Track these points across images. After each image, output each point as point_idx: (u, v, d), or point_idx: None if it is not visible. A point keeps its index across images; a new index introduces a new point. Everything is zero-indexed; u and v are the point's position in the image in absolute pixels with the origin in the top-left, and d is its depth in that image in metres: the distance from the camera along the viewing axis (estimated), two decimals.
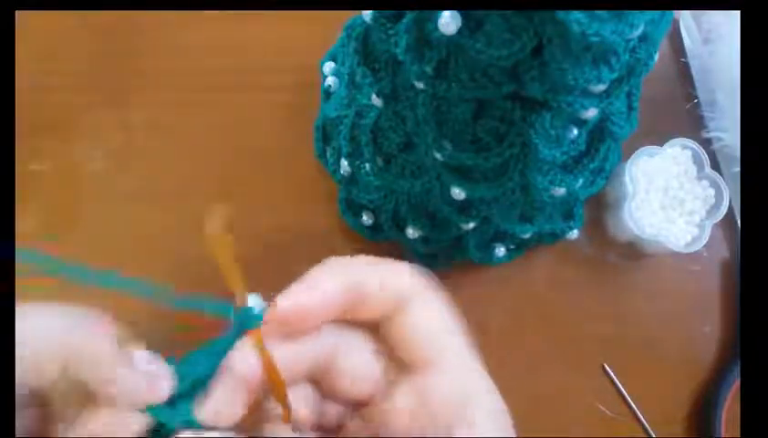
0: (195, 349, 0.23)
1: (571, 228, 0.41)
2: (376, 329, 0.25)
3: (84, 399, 0.22)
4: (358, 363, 0.24)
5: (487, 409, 0.23)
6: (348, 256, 0.25)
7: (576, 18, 0.22)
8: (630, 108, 0.34)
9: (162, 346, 0.24)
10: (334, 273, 0.24)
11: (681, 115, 0.46)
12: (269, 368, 0.22)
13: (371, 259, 0.25)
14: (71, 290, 0.22)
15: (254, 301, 0.24)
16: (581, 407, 0.42)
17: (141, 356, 0.23)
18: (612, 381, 0.42)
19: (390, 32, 0.28)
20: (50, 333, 0.22)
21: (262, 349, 0.22)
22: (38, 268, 0.23)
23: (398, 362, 0.24)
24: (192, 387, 0.23)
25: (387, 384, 0.24)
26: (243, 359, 0.23)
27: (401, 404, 0.24)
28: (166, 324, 0.28)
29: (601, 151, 0.33)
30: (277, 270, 0.43)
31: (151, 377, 0.22)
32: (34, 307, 0.23)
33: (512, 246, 0.42)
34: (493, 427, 0.23)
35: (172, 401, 0.22)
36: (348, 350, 0.24)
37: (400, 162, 0.35)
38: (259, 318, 0.23)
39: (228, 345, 0.23)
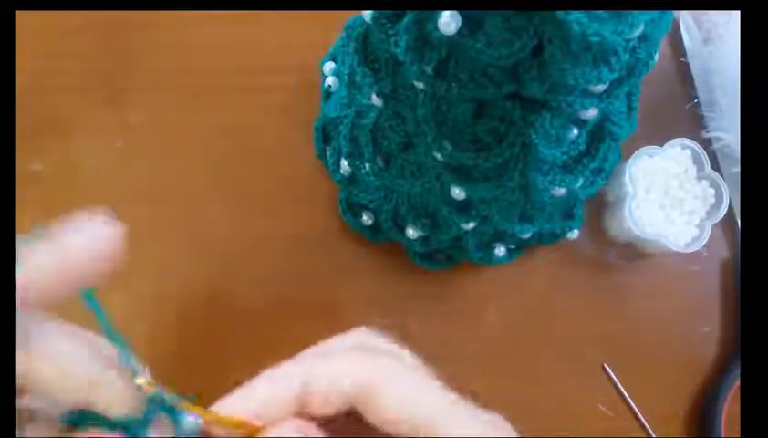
0: None
1: (571, 228, 0.41)
2: None
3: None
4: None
5: None
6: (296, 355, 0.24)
7: (576, 18, 0.22)
8: (630, 108, 0.34)
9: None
10: (271, 377, 0.23)
11: (681, 115, 0.46)
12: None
13: (322, 349, 0.24)
14: None
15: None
16: (581, 407, 0.42)
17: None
18: (612, 381, 0.42)
19: (390, 32, 0.27)
20: (78, 363, 0.21)
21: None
22: None
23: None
24: None
25: None
26: None
27: None
28: None
29: (601, 151, 0.33)
30: (277, 270, 0.43)
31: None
32: (61, 328, 0.22)
33: (512, 246, 0.42)
34: None
35: None
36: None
37: (400, 162, 0.35)
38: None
39: None
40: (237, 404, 0.22)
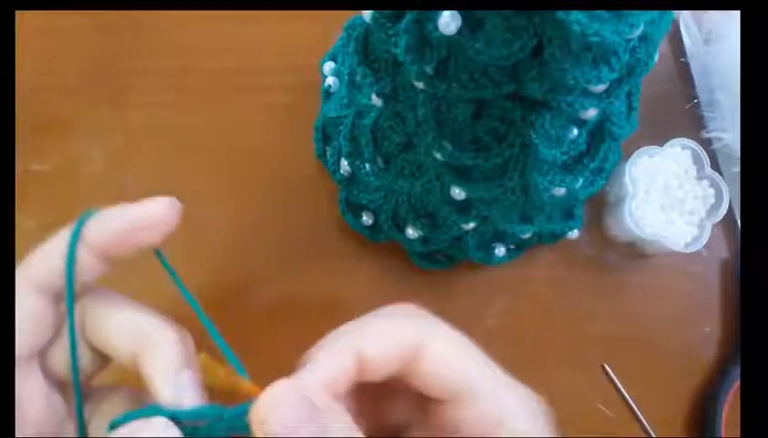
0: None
1: (571, 228, 0.41)
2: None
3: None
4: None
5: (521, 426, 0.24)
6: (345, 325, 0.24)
7: (576, 18, 0.22)
8: (630, 108, 0.34)
9: None
10: (332, 349, 0.23)
11: (681, 115, 0.46)
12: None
13: (366, 319, 0.25)
14: None
15: None
16: (581, 407, 0.42)
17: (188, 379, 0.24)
18: (612, 381, 0.42)
19: (390, 32, 0.27)
20: (132, 324, 0.25)
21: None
22: None
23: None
24: None
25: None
26: None
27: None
28: None
29: (601, 151, 0.33)
30: (277, 270, 0.43)
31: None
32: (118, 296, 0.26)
33: (512, 246, 0.42)
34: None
35: None
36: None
37: (400, 162, 0.35)
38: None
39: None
40: (307, 379, 0.22)
